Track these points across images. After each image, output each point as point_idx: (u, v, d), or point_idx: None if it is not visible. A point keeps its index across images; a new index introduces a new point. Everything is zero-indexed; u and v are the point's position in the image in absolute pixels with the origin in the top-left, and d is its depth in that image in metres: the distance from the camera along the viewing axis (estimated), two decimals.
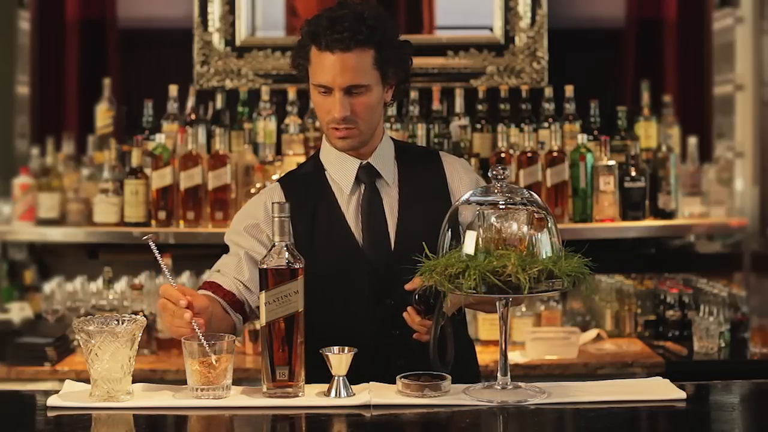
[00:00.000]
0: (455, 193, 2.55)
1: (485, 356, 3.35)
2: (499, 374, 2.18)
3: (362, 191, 2.55)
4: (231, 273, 2.50)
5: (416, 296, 2.27)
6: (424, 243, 2.18)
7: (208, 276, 2.56)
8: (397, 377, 2.19)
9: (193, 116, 4.04)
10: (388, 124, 3.94)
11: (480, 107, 4.09)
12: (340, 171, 2.56)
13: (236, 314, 2.48)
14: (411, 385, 2.15)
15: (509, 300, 2.14)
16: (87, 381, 2.21)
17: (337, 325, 2.48)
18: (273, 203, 2.19)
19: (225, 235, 2.61)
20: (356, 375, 2.21)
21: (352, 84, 2.44)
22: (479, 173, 3.59)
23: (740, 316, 3.83)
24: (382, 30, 2.47)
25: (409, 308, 2.30)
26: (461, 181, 2.58)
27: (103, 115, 4.13)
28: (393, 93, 2.57)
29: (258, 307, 2.22)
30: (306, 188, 2.57)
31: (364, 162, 2.55)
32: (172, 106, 4.02)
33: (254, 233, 2.53)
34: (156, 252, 2.24)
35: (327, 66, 2.43)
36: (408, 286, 2.27)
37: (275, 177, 3.82)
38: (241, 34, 4.26)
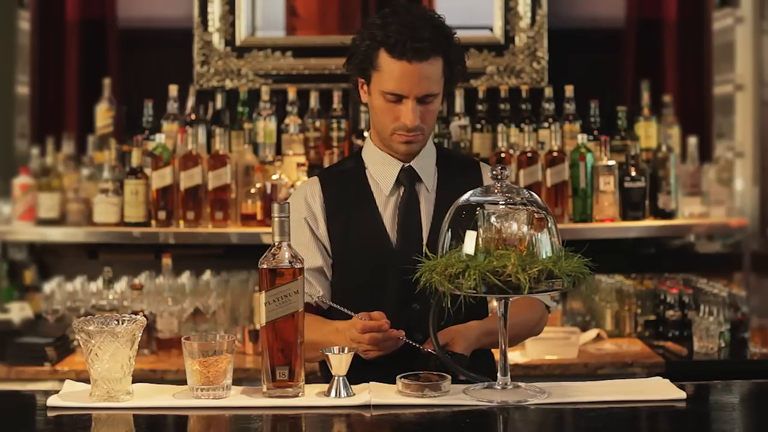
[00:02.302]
0: None
1: None
2: (499, 374, 2.18)
3: (401, 193, 2.55)
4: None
5: (435, 366, 2.29)
6: (425, 247, 2.17)
7: None
8: (397, 377, 2.18)
9: (193, 116, 4.04)
10: None
11: (480, 107, 4.09)
12: (382, 171, 2.56)
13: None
14: (411, 385, 2.15)
15: (509, 300, 2.14)
16: (87, 381, 2.21)
17: None
18: (273, 203, 2.20)
19: None
20: (366, 376, 2.22)
21: (427, 93, 2.45)
22: None
23: (740, 316, 3.83)
24: (450, 37, 2.48)
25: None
26: None
27: (103, 115, 4.13)
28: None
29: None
30: (345, 184, 2.58)
31: (406, 165, 2.56)
32: (172, 106, 4.02)
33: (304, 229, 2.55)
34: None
35: (404, 75, 2.43)
36: (426, 345, 2.30)
37: (275, 177, 3.82)
38: (241, 34, 4.26)
